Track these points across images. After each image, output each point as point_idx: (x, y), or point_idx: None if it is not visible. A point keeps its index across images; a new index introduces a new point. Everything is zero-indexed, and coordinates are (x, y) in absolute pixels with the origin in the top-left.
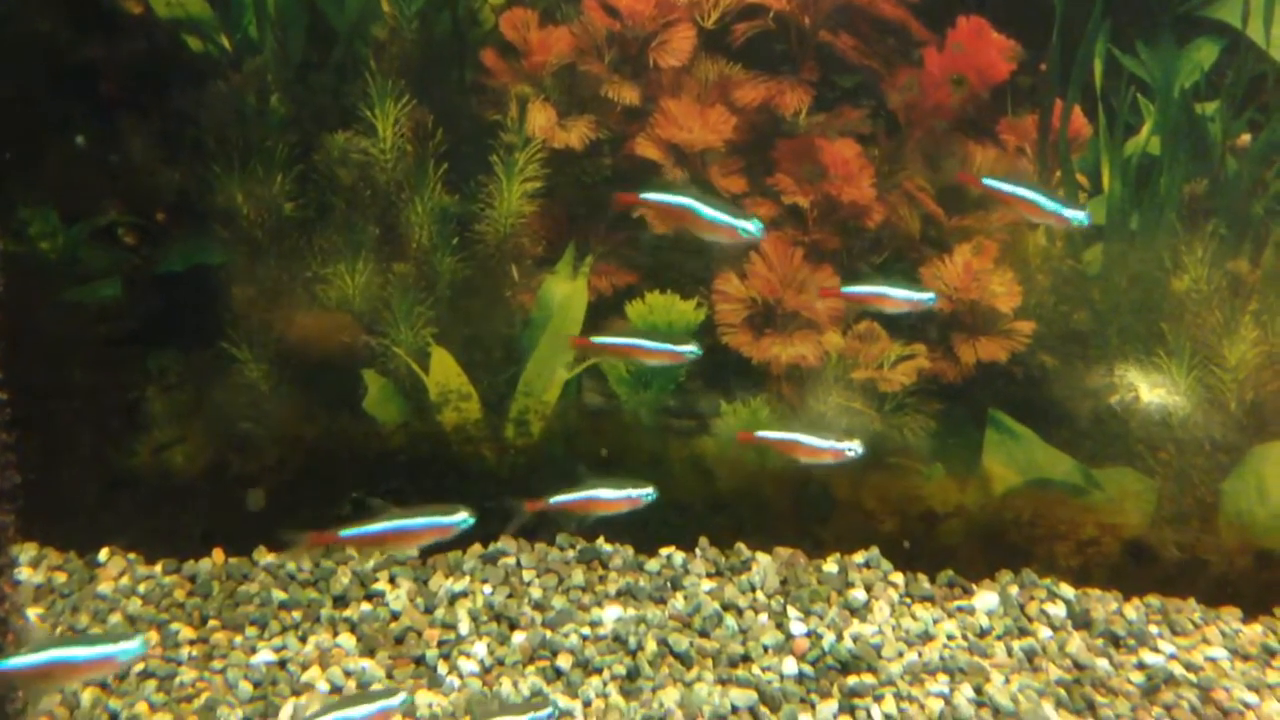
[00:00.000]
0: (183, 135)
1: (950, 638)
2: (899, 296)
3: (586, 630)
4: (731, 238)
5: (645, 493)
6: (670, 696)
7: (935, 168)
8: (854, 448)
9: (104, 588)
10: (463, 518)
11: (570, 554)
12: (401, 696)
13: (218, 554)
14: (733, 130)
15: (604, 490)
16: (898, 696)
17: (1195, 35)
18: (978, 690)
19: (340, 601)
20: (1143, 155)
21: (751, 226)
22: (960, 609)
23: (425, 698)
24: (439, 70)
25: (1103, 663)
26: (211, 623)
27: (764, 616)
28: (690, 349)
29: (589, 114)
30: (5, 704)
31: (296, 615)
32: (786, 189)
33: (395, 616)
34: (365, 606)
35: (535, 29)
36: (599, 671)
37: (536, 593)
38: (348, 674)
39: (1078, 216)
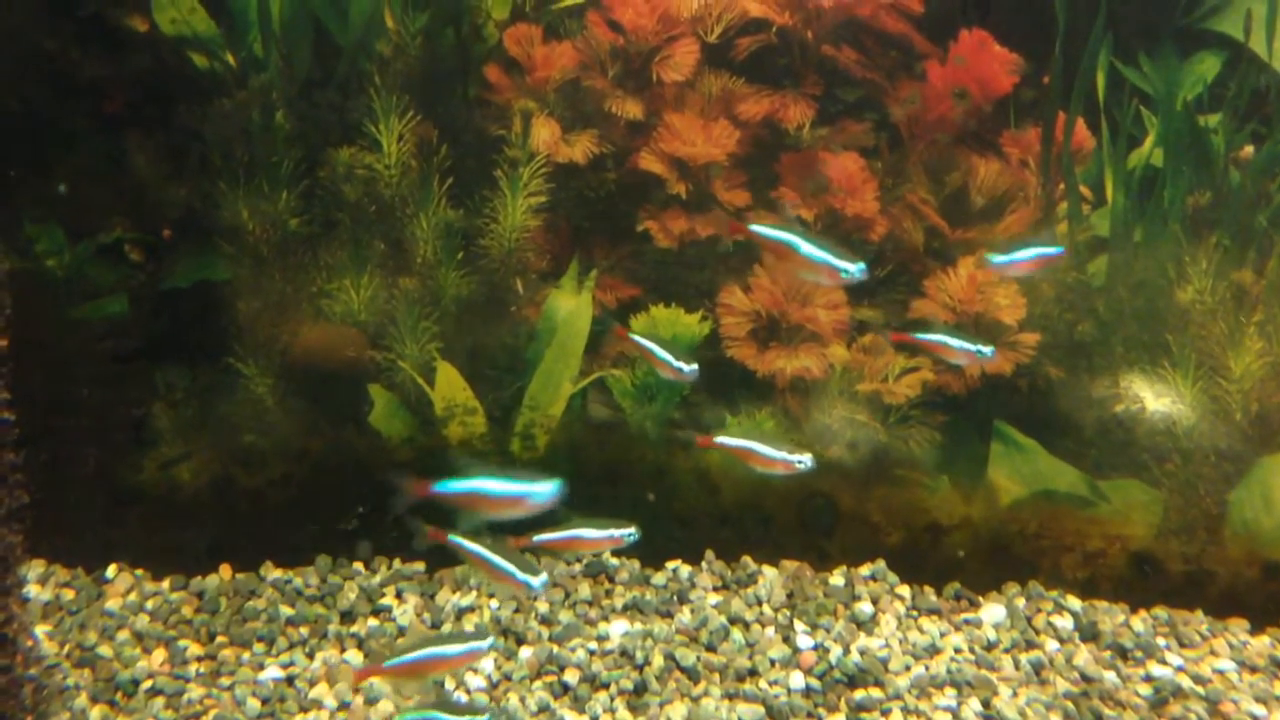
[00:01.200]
0: (188, 152)
1: (957, 651)
2: (957, 346)
3: (593, 645)
4: (832, 278)
5: (627, 533)
6: (677, 711)
7: (938, 180)
8: (804, 460)
9: (112, 604)
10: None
11: (576, 568)
12: (490, 640)
13: (225, 570)
14: (736, 144)
15: (587, 530)
16: (905, 710)
17: (1198, 48)
18: (985, 704)
19: (347, 617)
20: (1146, 167)
21: (853, 268)
22: (967, 622)
23: None
24: (443, 86)
25: (1110, 675)
26: (219, 639)
27: (771, 630)
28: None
29: (593, 128)
30: None
31: (304, 631)
32: (790, 202)
33: (402, 632)
34: (372, 622)
35: (539, 44)
36: (606, 686)
37: (543, 607)
38: (355, 690)
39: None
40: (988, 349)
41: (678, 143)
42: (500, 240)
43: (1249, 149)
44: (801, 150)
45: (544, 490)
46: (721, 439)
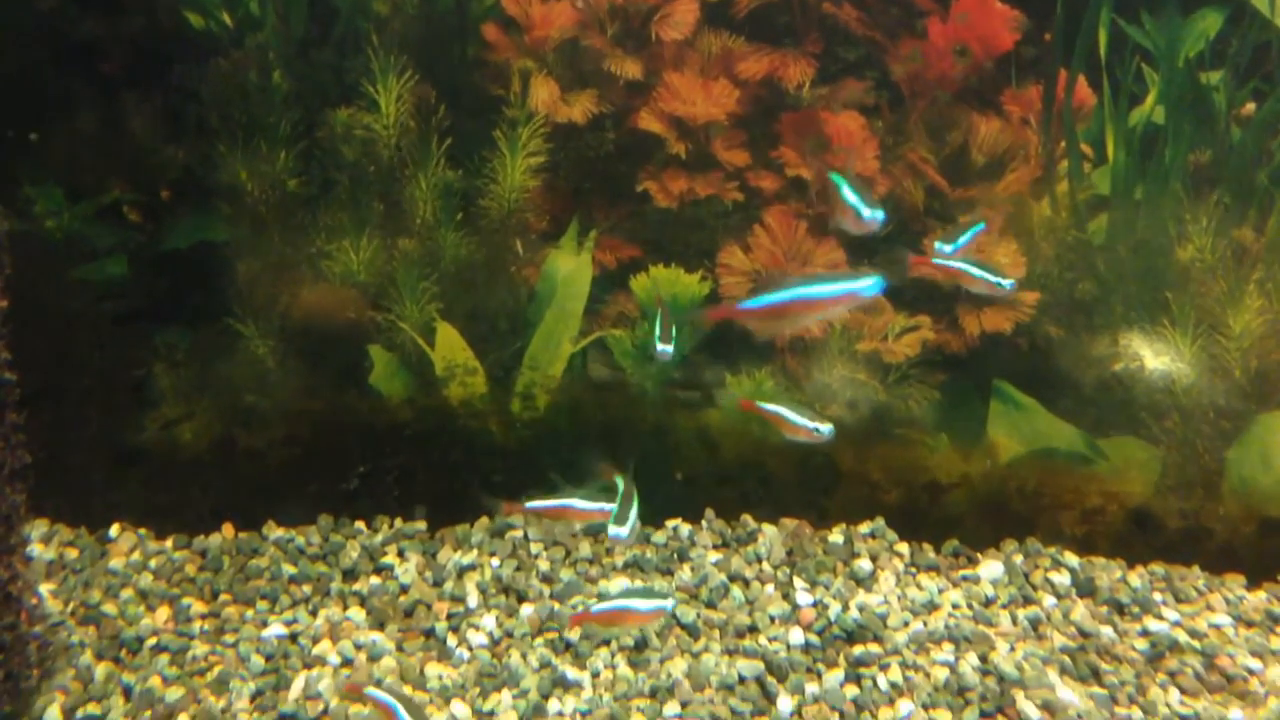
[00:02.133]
0: (185, 112)
1: (955, 607)
2: (977, 274)
3: (594, 602)
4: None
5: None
6: (678, 667)
7: (939, 139)
8: (822, 428)
9: (115, 563)
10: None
11: (577, 526)
12: (672, 602)
13: (227, 529)
14: (736, 103)
15: (578, 501)
16: (903, 665)
17: (1199, 4)
18: (983, 658)
19: (350, 575)
20: (1147, 125)
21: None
22: (965, 578)
23: (435, 670)
24: (441, 45)
25: (1107, 630)
26: (223, 597)
27: (770, 587)
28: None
29: (592, 88)
30: (20, 680)
31: (306, 589)
32: (790, 162)
33: (404, 590)
34: (374, 580)
35: (537, 3)
36: (607, 643)
37: (544, 565)
38: (358, 647)
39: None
40: (1008, 281)
41: (677, 102)
42: (499, 201)
43: (1251, 106)
44: (802, 109)
45: (868, 284)
46: (760, 404)
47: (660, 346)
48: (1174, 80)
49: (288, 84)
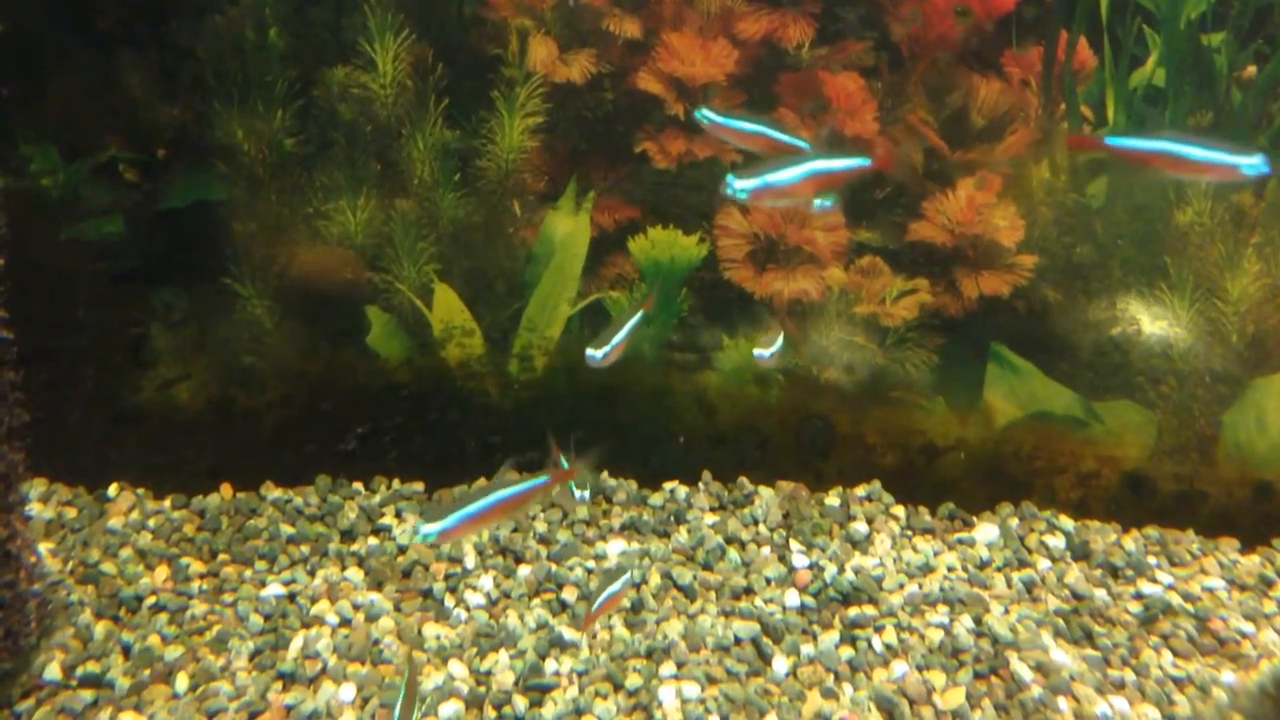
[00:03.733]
0: (182, 70)
1: (950, 569)
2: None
3: (591, 564)
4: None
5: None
6: (674, 628)
7: (938, 101)
8: (768, 349)
9: (114, 522)
10: None
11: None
12: (626, 577)
13: (225, 489)
14: (735, 64)
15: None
16: (898, 627)
17: None
18: (977, 621)
19: (348, 536)
20: (1148, 87)
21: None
22: (960, 541)
23: (432, 630)
24: (438, 3)
25: (1101, 593)
26: (221, 557)
27: (766, 549)
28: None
29: (590, 48)
30: (20, 637)
31: (305, 549)
32: (789, 123)
33: (402, 551)
34: (372, 541)
35: None
36: None
37: (541, 527)
38: (356, 607)
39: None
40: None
41: (676, 62)
42: (497, 161)
43: (1252, 69)
44: (801, 70)
45: (1251, 161)
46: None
47: (590, 351)
48: (1175, 42)
49: (284, 42)
